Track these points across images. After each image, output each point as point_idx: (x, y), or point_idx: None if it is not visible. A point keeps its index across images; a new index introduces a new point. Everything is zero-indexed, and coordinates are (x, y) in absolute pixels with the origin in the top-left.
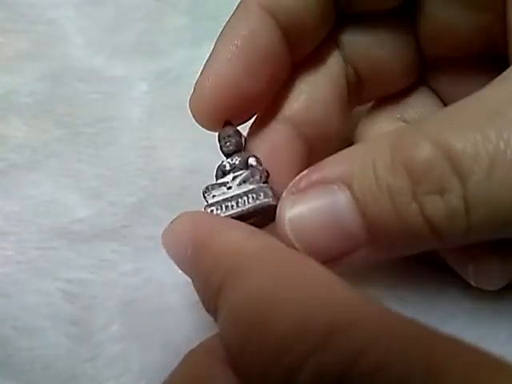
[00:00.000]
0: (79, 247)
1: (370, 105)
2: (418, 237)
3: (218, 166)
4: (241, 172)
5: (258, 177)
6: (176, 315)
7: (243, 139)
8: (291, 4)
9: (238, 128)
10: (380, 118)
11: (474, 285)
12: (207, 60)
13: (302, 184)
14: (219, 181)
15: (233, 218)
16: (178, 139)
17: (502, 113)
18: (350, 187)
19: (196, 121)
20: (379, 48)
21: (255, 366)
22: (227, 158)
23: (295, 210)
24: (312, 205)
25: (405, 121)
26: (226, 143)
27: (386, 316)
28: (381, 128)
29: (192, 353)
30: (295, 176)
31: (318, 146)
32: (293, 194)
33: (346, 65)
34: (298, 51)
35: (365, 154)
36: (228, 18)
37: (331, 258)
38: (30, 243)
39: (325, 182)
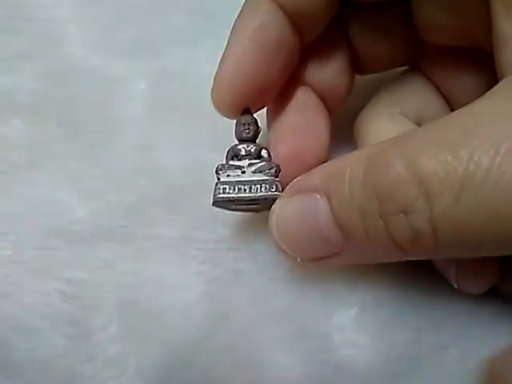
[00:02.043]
0: (77, 247)
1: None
2: (387, 251)
3: (231, 148)
4: (257, 161)
5: (273, 170)
6: (174, 315)
7: (259, 130)
8: None
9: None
10: (381, 112)
11: (457, 288)
12: (223, 53)
13: (292, 190)
14: (235, 163)
15: (241, 200)
16: (177, 138)
17: (476, 133)
18: (328, 198)
19: (217, 110)
20: (379, 30)
21: None
22: (242, 144)
23: (281, 213)
24: (295, 209)
25: (405, 114)
26: (246, 129)
27: None
28: (381, 123)
29: None
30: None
31: (332, 109)
32: (284, 198)
33: (347, 40)
34: (306, 37)
35: (343, 169)
36: (227, 17)
37: (311, 259)
38: (29, 243)
39: (310, 190)
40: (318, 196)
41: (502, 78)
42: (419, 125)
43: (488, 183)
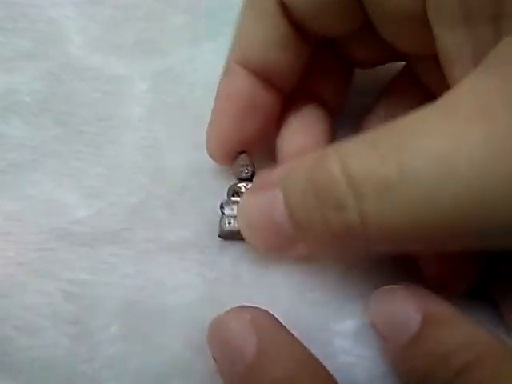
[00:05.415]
0: (80, 250)
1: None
2: (332, 244)
3: (232, 186)
4: None
5: None
6: (176, 317)
7: (255, 169)
8: (262, 58)
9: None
10: (380, 118)
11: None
12: (211, 114)
13: (255, 186)
14: (237, 199)
15: None
16: (178, 138)
17: (407, 141)
18: (284, 195)
19: (215, 161)
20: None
21: None
22: (241, 182)
23: (244, 206)
24: (256, 203)
25: None
26: (245, 170)
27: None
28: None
29: None
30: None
31: (285, 88)
32: (248, 192)
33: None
34: (284, 88)
35: (297, 168)
36: (227, 16)
37: (271, 250)
38: (30, 245)
39: (270, 186)
40: (278, 190)
41: None
42: None
43: (410, 190)
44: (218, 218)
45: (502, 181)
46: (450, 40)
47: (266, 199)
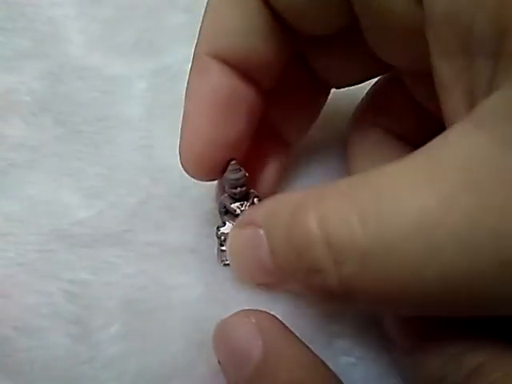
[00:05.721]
0: (80, 251)
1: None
2: (313, 295)
3: (222, 202)
4: None
5: None
6: (176, 317)
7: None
8: (240, 47)
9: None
10: (366, 130)
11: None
12: (182, 121)
13: (242, 222)
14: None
15: None
16: (177, 137)
17: (386, 200)
18: (266, 236)
19: (191, 177)
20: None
21: None
22: (235, 203)
23: (232, 242)
24: (243, 240)
25: (389, 129)
26: (236, 190)
27: None
28: (366, 148)
29: None
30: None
31: (265, 85)
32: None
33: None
34: (264, 84)
35: (278, 212)
36: None
37: (257, 284)
38: (31, 245)
39: (255, 225)
40: (261, 232)
41: (449, 124)
42: (402, 138)
43: (392, 260)
44: (216, 247)
45: (489, 263)
46: (446, 69)
47: (251, 237)
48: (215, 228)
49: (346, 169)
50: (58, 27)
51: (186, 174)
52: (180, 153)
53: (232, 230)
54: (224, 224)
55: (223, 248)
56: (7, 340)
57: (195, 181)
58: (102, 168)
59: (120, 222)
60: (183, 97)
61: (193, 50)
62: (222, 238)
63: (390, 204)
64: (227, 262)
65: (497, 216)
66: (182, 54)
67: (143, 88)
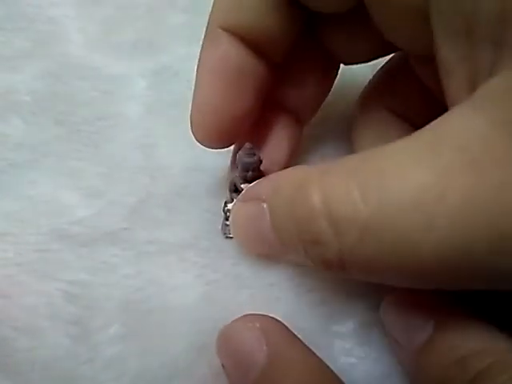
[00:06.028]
0: (79, 250)
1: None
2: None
3: (232, 181)
4: None
5: None
6: (176, 317)
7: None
8: (252, 21)
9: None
10: (371, 114)
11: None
12: (194, 91)
13: (245, 196)
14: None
15: None
16: (177, 137)
17: (388, 176)
18: (269, 210)
19: (201, 144)
20: (350, 30)
21: None
22: (242, 173)
23: (235, 214)
24: (245, 213)
25: (395, 111)
26: (248, 173)
27: None
28: (371, 129)
29: None
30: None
31: (275, 59)
32: (240, 201)
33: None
34: (273, 58)
35: (281, 187)
36: None
37: (257, 254)
38: (30, 246)
39: (257, 199)
40: (264, 205)
41: (451, 107)
42: (407, 120)
43: (391, 233)
44: (221, 219)
45: (487, 237)
46: (449, 53)
47: (254, 211)
48: (223, 202)
49: (352, 147)
50: (57, 27)
51: (197, 142)
52: (190, 119)
53: (236, 203)
54: (232, 200)
55: (227, 222)
56: (7, 340)
57: (195, 180)
58: (102, 167)
59: (120, 221)
60: (183, 96)
61: (193, 49)
62: (228, 213)
63: (391, 180)
64: (230, 235)
65: (494, 193)
66: (181, 54)
67: (143, 87)
